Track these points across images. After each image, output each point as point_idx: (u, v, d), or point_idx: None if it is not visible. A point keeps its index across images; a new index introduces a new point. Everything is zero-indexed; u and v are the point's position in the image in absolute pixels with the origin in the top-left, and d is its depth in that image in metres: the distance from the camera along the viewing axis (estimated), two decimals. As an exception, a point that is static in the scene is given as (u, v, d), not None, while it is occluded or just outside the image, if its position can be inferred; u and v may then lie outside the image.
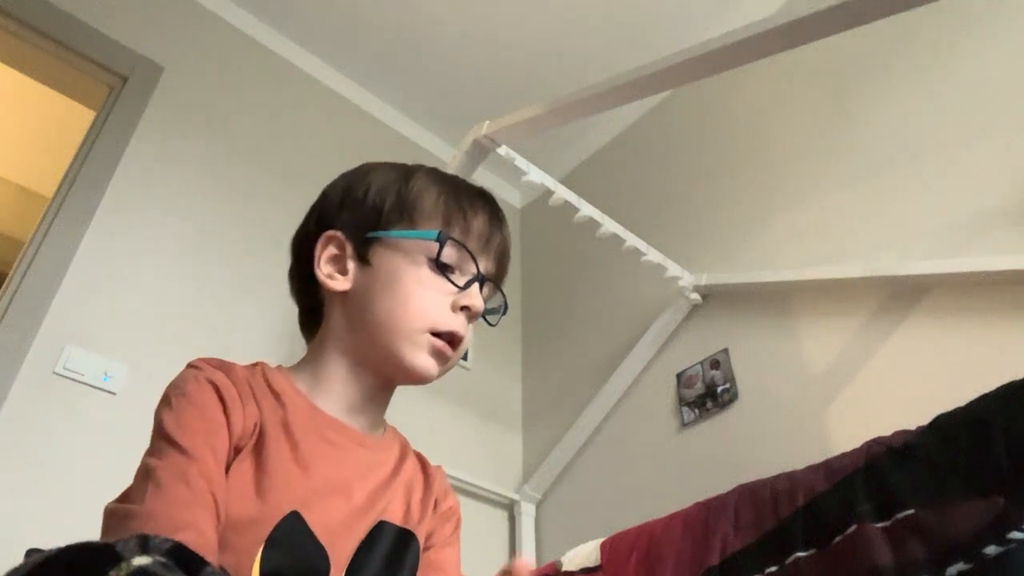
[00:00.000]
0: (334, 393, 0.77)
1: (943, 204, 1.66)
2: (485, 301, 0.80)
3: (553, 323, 2.63)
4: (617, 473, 2.08)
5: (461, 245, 0.77)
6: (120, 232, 1.84)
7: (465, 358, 2.46)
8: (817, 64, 2.10)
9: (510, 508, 2.27)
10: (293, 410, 0.73)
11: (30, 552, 0.46)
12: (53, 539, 0.44)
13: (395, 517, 0.76)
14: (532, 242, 2.92)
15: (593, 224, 1.81)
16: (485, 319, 0.82)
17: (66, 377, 1.60)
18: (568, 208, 1.78)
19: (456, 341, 0.77)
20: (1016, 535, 0.99)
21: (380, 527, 0.74)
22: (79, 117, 2.16)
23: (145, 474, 0.62)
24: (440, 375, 0.77)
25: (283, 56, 2.52)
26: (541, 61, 2.55)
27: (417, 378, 0.77)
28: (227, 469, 0.65)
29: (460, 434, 2.32)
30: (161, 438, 0.65)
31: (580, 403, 2.22)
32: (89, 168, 1.86)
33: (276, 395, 0.73)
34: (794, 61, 2.07)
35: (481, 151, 1.60)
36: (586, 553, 1.60)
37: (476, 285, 0.78)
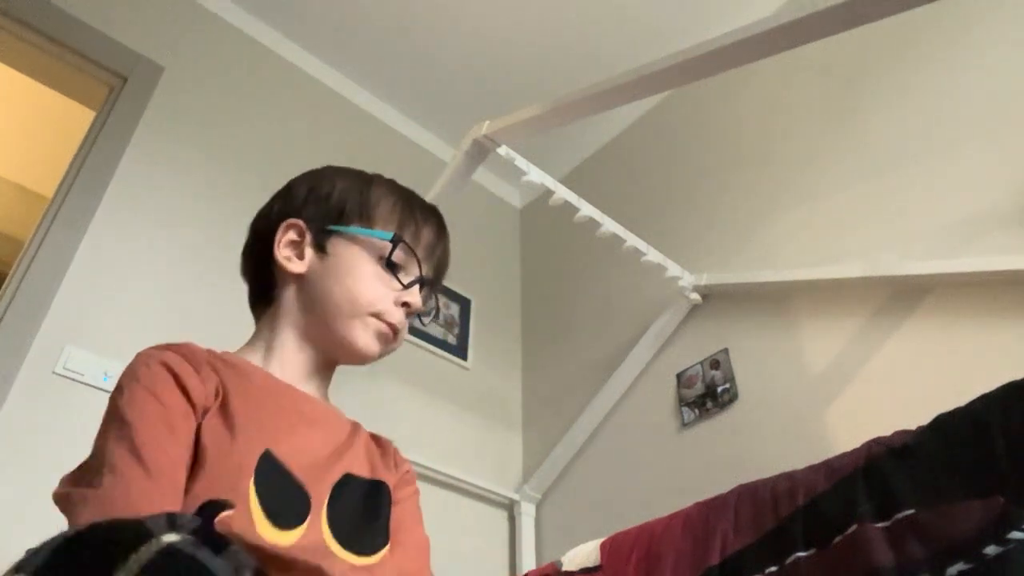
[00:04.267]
0: (287, 362, 0.84)
1: (943, 204, 1.66)
2: (423, 302, 0.89)
3: (553, 323, 2.63)
4: (617, 473, 2.08)
5: (411, 249, 0.86)
6: (120, 232, 1.84)
7: (465, 358, 2.46)
8: (817, 64, 2.10)
9: (510, 508, 2.27)
10: (253, 376, 0.79)
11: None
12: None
13: (361, 472, 0.80)
14: (532, 242, 2.92)
15: (593, 224, 1.81)
16: (419, 318, 0.91)
17: (66, 377, 1.60)
18: (568, 208, 1.78)
19: (395, 331, 0.85)
20: (1016, 535, 0.99)
21: (349, 477, 0.78)
22: (79, 117, 2.16)
23: (100, 455, 0.65)
24: (379, 357, 0.86)
25: (283, 56, 2.52)
26: (541, 61, 2.56)
27: (360, 356, 0.85)
28: (198, 430, 0.69)
29: (460, 434, 2.32)
30: (114, 420, 0.68)
31: (580, 403, 2.22)
32: (89, 168, 1.86)
33: (233, 366, 0.79)
34: (794, 61, 2.07)
35: (481, 151, 1.60)
36: (586, 553, 1.60)
37: (417, 286, 0.87)
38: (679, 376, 2.03)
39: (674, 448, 1.95)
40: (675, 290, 2.04)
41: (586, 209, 1.79)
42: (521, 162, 1.67)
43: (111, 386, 1.77)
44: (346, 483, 0.77)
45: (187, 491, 0.67)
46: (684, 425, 1.95)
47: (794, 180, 2.03)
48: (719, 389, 1.90)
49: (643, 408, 2.10)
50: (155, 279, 1.85)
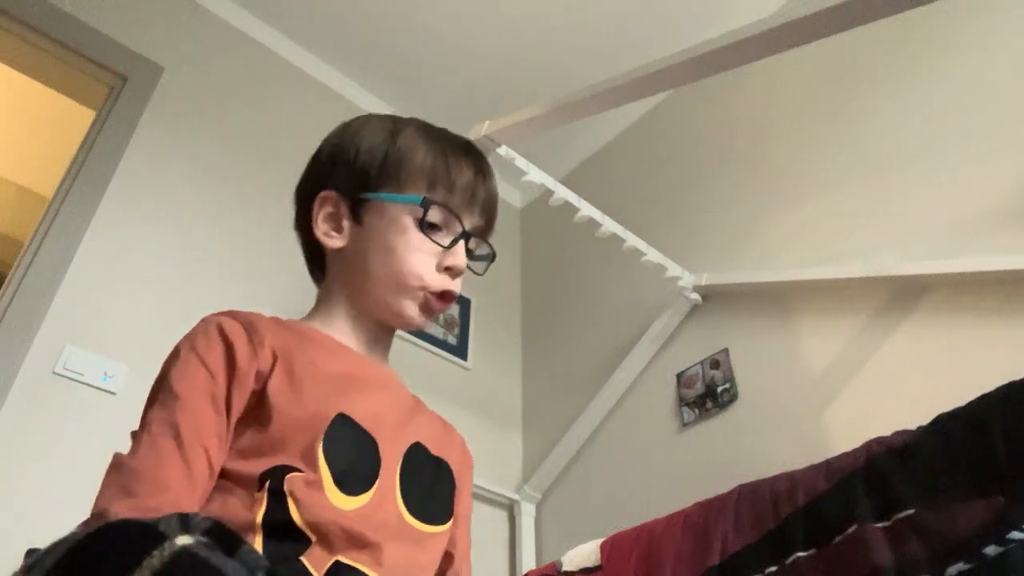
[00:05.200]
0: (346, 331, 0.82)
1: (943, 204, 1.66)
2: (473, 252, 0.86)
3: (553, 323, 2.63)
4: (617, 473, 2.08)
5: (444, 206, 0.81)
6: (120, 232, 1.84)
7: (465, 358, 2.46)
8: (817, 64, 2.10)
9: (510, 508, 2.27)
10: (317, 340, 0.78)
11: (30, 552, 0.46)
12: (53, 539, 0.44)
13: (427, 444, 0.80)
14: (532, 242, 2.92)
15: (593, 224, 1.81)
16: (472, 270, 0.87)
17: (66, 377, 1.60)
18: (568, 208, 1.78)
19: (447, 297, 0.82)
20: (1016, 535, 0.99)
21: (419, 446, 0.78)
22: (79, 117, 2.16)
23: (144, 422, 0.67)
24: (433, 319, 0.83)
25: (283, 56, 2.52)
26: (541, 61, 2.56)
27: (410, 327, 0.83)
28: (264, 390, 0.70)
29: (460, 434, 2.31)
30: (163, 388, 0.69)
31: (580, 403, 2.22)
32: (89, 168, 1.86)
33: (297, 332, 0.78)
34: (794, 61, 2.07)
35: (481, 151, 1.60)
36: (586, 553, 1.60)
37: (461, 243, 0.82)
38: (679, 376, 2.03)
39: (674, 448, 1.95)
40: (675, 290, 2.04)
41: (586, 209, 1.79)
42: (521, 162, 1.67)
43: (111, 386, 1.78)
44: (416, 451, 0.77)
45: (254, 448, 0.68)
46: (684, 425, 1.95)
47: (794, 180, 2.03)
48: (719, 389, 1.90)
49: (643, 408, 2.10)
50: (155, 279, 1.85)
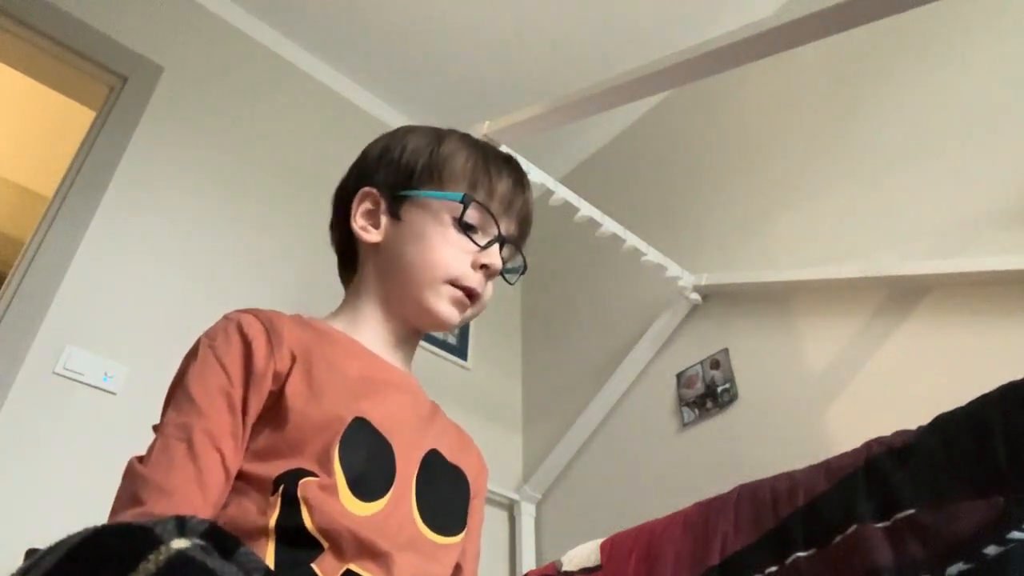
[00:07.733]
0: (371, 331, 0.82)
1: (943, 204, 1.66)
2: (505, 261, 0.87)
3: (553, 323, 2.63)
4: (617, 473, 2.08)
5: (484, 207, 0.83)
6: (120, 232, 1.84)
7: (465, 358, 2.46)
8: (817, 64, 2.10)
9: (510, 508, 2.27)
10: (339, 341, 0.78)
11: (30, 552, 0.46)
12: (52, 539, 0.44)
13: (443, 452, 0.80)
14: (532, 242, 2.92)
15: (593, 224, 1.81)
16: (504, 277, 0.88)
17: (66, 377, 1.60)
18: (568, 208, 1.78)
19: (474, 296, 0.82)
20: (1016, 535, 0.99)
21: (436, 453, 0.78)
22: (79, 117, 2.16)
23: (161, 425, 0.66)
24: (460, 324, 0.85)
25: (283, 56, 2.52)
26: (541, 61, 2.56)
27: (440, 324, 0.83)
28: (282, 391, 0.69)
29: (460, 434, 2.31)
30: (180, 389, 0.68)
31: (580, 403, 2.22)
32: (89, 168, 1.86)
33: (319, 331, 0.78)
34: (794, 61, 2.07)
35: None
36: (586, 553, 1.60)
37: (496, 245, 0.83)
38: (679, 376, 2.03)
39: (674, 448, 1.95)
40: (675, 290, 2.04)
41: (586, 209, 1.79)
42: (521, 162, 1.67)
43: (111, 386, 1.78)
44: (433, 459, 0.77)
45: (270, 450, 0.67)
46: (684, 425, 1.95)
47: (794, 180, 2.03)
48: (719, 389, 1.90)
49: (643, 408, 2.10)
50: (155, 279, 1.85)
